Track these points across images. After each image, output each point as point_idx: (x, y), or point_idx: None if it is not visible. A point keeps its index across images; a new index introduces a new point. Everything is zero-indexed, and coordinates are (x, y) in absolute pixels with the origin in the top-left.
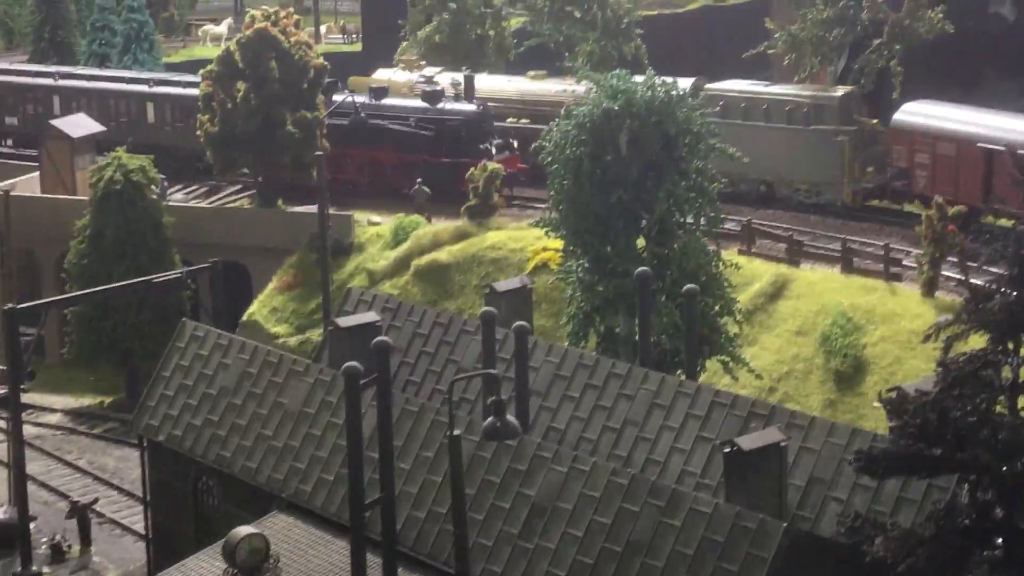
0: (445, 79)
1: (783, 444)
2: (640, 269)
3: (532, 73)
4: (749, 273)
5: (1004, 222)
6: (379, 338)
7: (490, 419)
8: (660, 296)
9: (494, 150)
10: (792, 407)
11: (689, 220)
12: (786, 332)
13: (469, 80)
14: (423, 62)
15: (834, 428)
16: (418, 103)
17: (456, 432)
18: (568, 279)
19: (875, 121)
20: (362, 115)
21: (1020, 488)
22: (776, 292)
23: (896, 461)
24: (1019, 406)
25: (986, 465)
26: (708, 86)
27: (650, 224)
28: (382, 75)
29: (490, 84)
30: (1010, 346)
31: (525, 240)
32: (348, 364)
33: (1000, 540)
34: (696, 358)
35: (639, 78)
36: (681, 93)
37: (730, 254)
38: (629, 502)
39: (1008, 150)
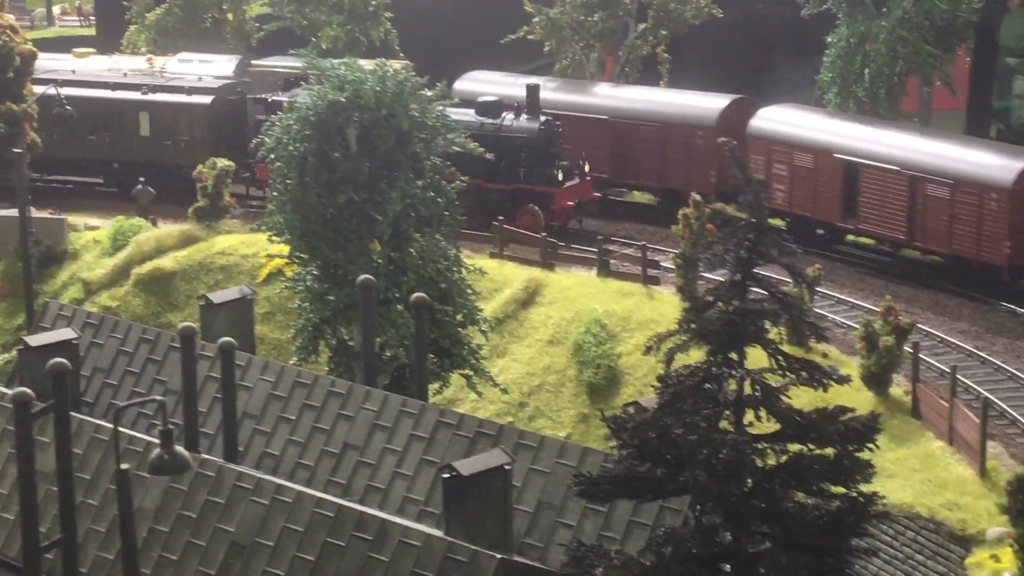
0: None
1: (507, 467)
2: (362, 277)
3: (78, 50)
4: (500, 278)
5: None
6: (54, 360)
7: (156, 451)
8: (396, 305)
9: (561, 175)
10: (542, 424)
11: (426, 220)
12: (538, 342)
13: None
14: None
15: (564, 448)
16: (471, 116)
17: (124, 466)
18: (296, 288)
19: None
20: None
21: (746, 510)
22: (528, 298)
23: (617, 484)
24: (745, 422)
25: (705, 486)
26: (255, 63)
27: (384, 227)
28: None
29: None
30: (733, 357)
31: (258, 245)
32: (18, 390)
33: (728, 567)
34: (425, 373)
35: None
36: (416, 83)
37: (481, 258)
38: (335, 536)
39: (727, 144)
